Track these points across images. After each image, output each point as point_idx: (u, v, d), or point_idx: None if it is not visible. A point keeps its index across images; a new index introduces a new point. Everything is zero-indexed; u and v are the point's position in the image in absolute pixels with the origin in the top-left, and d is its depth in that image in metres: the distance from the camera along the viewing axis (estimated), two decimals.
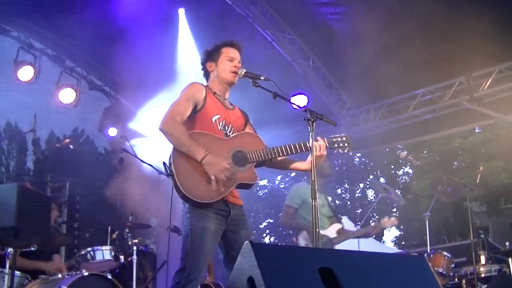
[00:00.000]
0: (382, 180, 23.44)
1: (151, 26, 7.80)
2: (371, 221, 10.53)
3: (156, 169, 5.24)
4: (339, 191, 27.08)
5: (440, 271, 5.99)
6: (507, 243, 7.21)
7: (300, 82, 9.21)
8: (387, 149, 18.39)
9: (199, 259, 3.37)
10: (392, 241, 24.57)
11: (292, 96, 8.38)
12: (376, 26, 7.17)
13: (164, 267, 5.59)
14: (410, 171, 23.76)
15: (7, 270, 4.32)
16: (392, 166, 24.60)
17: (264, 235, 26.04)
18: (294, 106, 3.78)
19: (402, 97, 9.15)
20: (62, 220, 8.52)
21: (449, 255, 6.16)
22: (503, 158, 16.32)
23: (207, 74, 3.86)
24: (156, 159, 4.81)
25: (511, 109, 8.28)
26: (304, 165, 3.76)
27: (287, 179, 22.69)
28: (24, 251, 5.20)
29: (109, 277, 4.91)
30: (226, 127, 3.66)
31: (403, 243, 23.52)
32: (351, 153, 3.76)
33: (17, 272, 4.56)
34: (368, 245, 7.34)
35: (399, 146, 15.22)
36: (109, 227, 6.36)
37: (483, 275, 6.23)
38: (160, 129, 3.49)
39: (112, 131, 9.25)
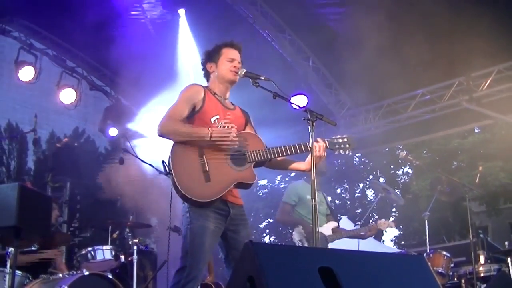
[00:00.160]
0: (381, 180, 23.48)
1: (152, 26, 7.83)
2: (370, 221, 10.53)
3: (156, 169, 5.25)
4: (338, 190, 27.13)
5: (440, 270, 5.99)
6: (506, 243, 7.23)
7: (300, 82, 9.23)
8: (387, 149, 18.42)
9: (199, 258, 3.38)
10: (391, 241, 24.63)
11: (292, 96, 8.39)
12: (375, 26, 7.18)
13: (164, 266, 5.60)
14: (410, 171, 23.81)
15: (8, 269, 4.33)
16: (392, 166, 24.63)
17: (264, 234, 26.08)
18: (294, 106, 3.79)
19: (401, 97, 9.16)
20: (63, 220, 8.57)
21: (448, 254, 6.16)
22: (502, 158, 16.35)
23: (207, 75, 3.87)
24: (156, 159, 4.82)
25: (510, 109, 8.29)
26: (303, 165, 3.76)
27: (287, 179, 22.69)
28: (25, 251, 5.22)
29: (110, 276, 4.93)
30: (226, 127, 3.65)
31: (403, 242, 23.56)
32: (350, 153, 3.77)
33: (18, 272, 4.57)
34: (367, 244, 7.37)
35: (399, 146, 15.24)
36: (110, 227, 6.37)
37: (482, 275, 6.23)
38: (159, 134, 3.50)
39: (113, 131, 9.27)
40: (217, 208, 3.48)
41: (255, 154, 3.54)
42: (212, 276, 6.61)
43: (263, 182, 23.75)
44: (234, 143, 3.46)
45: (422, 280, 2.63)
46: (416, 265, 2.70)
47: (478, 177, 8.39)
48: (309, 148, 3.49)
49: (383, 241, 22.44)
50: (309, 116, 3.41)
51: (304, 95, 8.74)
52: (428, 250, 6.47)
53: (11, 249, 4.31)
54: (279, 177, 23.68)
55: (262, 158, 3.55)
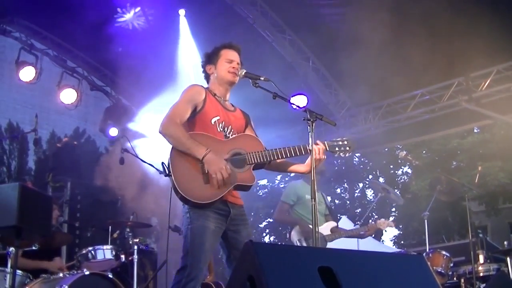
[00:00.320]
0: (381, 179, 23.51)
1: (152, 26, 7.84)
2: (370, 220, 10.54)
3: (156, 169, 5.25)
4: (338, 190, 27.17)
5: (439, 270, 6.00)
6: (505, 242, 7.26)
7: (299, 82, 9.25)
8: (386, 149, 18.42)
9: (199, 257, 3.38)
10: (391, 240, 24.66)
11: (292, 96, 8.40)
12: (375, 27, 7.20)
13: (164, 266, 5.61)
14: (409, 171, 23.83)
15: (8, 269, 4.34)
16: (391, 166, 24.66)
17: (264, 234, 26.11)
18: (294, 107, 3.79)
19: (401, 97, 9.19)
20: (63, 220, 8.58)
21: (447, 254, 6.16)
22: (501, 158, 16.38)
23: (207, 77, 3.88)
24: (156, 159, 4.84)
25: (509, 109, 8.31)
26: (303, 167, 3.76)
27: (286, 178, 22.71)
28: (26, 251, 5.23)
29: (110, 276, 4.93)
30: (226, 129, 3.66)
31: (402, 242, 23.59)
32: (350, 154, 3.78)
33: (19, 271, 4.58)
34: (367, 244, 7.37)
35: (398, 146, 15.24)
36: (110, 227, 6.38)
37: (481, 274, 6.23)
38: (160, 132, 3.50)
39: (113, 131, 9.29)
40: (217, 208, 3.48)
41: (254, 156, 3.53)
42: (212, 275, 6.62)
43: (263, 182, 23.79)
44: (222, 173, 3.36)
45: (421, 280, 2.63)
46: (416, 265, 2.70)
47: (477, 177, 8.40)
48: (308, 151, 3.49)
49: (382, 240, 22.46)
50: (308, 116, 3.41)
51: (304, 95, 8.75)
52: (427, 250, 6.47)
53: (11, 249, 4.32)
54: (279, 177, 23.73)
55: (261, 160, 3.54)
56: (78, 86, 9.20)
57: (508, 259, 5.99)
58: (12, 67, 8.58)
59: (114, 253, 5.50)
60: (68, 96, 8.95)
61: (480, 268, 6.27)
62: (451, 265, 6.23)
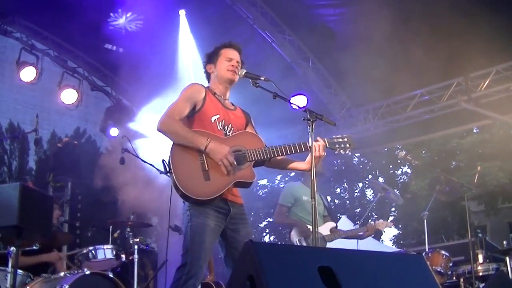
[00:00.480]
0: (380, 179, 23.52)
1: (152, 27, 7.85)
2: (370, 220, 10.55)
3: (157, 169, 5.27)
4: (338, 190, 27.18)
5: (438, 269, 6.01)
6: (504, 242, 7.27)
7: (299, 82, 9.26)
8: (386, 149, 18.44)
9: (199, 255, 3.40)
10: (390, 240, 24.67)
11: (292, 96, 8.42)
12: (374, 27, 7.22)
13: (164, 265, 5.62)
14: (409, 170, 23.83)
15: (9, 268, 4.35)
16: (391, 166, 24.67)
17: (264, 234, 26.11)
18: (294, 107, 3.80)
19: (400, 97, 9.20)
20: (64, 219, 8.58)
21: (447, 254, 6.17)
22: (500, 158, 16.38)
23: (208, 76, 3.90)
24: (157, 159, 4.86)
25: (509, 109, 8.33)
26: (302, 165, 3.78)
27: (286, 178, 22.72)
28: (27, 250, 5.24)
29: (111, 275, 4.94)
30: (226, 127, 3.67)
31: (402, 242, 23.59)
32: (350, 153, 3.79)
33: (20, 271, 4.58)
34: (367, 244, 7.39)
35: (398, 146, 15.24)
36: (111, 226, 6.39)
37: (481, 274, 6.24)
38: (158, 129, 3.51)
39: (114, 131, 9.31)
40: (217, 206, 3.50)
41: (254, 153, 3.55)
42: (212, 275, 6.63)
43: (263, 181, 23.79)
44: (227, 159, 3.41)
45: (421, 279, 2.64)
46: (415, 264, 2.71)
47: (476, 177, 8.41)
48: (308, 148, 3.50)
49: (382, 240, 22.48)
50: (308, 116, 3.42)
51: (304, 95, 8.77)
52: (427, 249, 6.48)
53: (12, 249, 4.31)
54: (279, 177, 23.72)
55: (262, 157, 3.55)
56: (79, 86, 9.21)
57: (507, 258, 6.00)
58: (13, 67, 8.59)
59: (114, 252, 5.52)
60: (68, 96, 8.96)
61: (479, 267, 6.28)
62: (451, 264, 6.24)
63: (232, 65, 3.75)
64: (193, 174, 3.42)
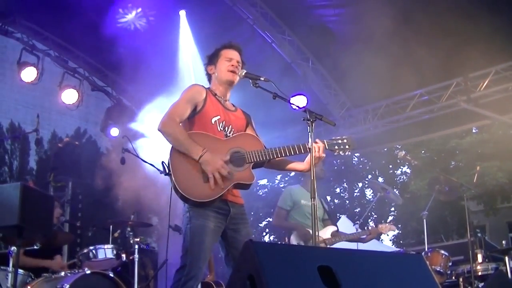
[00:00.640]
0: (380, 179, 23.52)
1: (153, 27, 7.86)
2: (369, 220, 10.60)
3: (157, 168, 5.26)
4: (338, 190, 27.16)
5: (438, 269, 6.02)
6: (503, 242, 7.28)
7: (299, 82, 9.28)
8: (385, 149, 18.46)
9: (199, 256, 3.41)
10: (390, 240, 24.62)
11: (292, 96, 8.43)
12: (374, 27, 7.24)
13: (164, 265, 5.63)
14: (408, 170, 23.82)
15: (10, 268, 4.37)
16: (390, 166, 24.67)
17: (264, 234, 26.09)
18: (294, 107, 3.81)
19: (400, 97, 9.22)
20: (65, 219, 8.60)
21: (446, 253, 6.18)
22: (499, 158, 16.39)
23: (209, 78, 3.92)
24: (157, 159, 4.87)
25: (508, 109, 8.35)
26: (302, 165, 3.78)
27: (286, 178, 22.73)
28: (27, 250, 5.26)
29: (111, 275, 4.96)
30: (226, 128, 3.68)
31: (401, 241, 23.57)
32: (349, 153, 3.79)
33: (20, 270, 4.60)
34: (366, 243, 7.41)
35: (397, 146, 15.25)
36: (111, 226, 6.39)
37: (480, 273, 6.25)
38: (158, 130, 3.53)
39: (114, 131, 9.32)
40: (217, 207, 3.50)
41: (254, 154, 3.55)
42: (212, 275, 6.64)
43: (263, 181, 23.77)
44: (220, 172, 3.40)
45: (420, 279, 2.65)
46: (415, 264, 2.72)
47: (476, 177, 8.42)
48: (308, 149, 3.51)
49: (381, 240, 22.46)
50: (308, 116, 3.44)
51: (304, 95, 8.78)
52: (426, 249, 6.49)
53: (13, 248, 4.34)
54: (279, 177, 23.72)
55: (261, 159, 3.56)
56: (79, 86, 9.22)
57: (506, 258, 6.02)
58: (14, 67, 8.60)
59: (115, 252, 5.52)
60: (69, 96, 8.98)
61: (478, 267, 6.29)
62: (450, 264, 6.26)
63: (232, 65, 3.77)
64: (193, 175, 3.43)
